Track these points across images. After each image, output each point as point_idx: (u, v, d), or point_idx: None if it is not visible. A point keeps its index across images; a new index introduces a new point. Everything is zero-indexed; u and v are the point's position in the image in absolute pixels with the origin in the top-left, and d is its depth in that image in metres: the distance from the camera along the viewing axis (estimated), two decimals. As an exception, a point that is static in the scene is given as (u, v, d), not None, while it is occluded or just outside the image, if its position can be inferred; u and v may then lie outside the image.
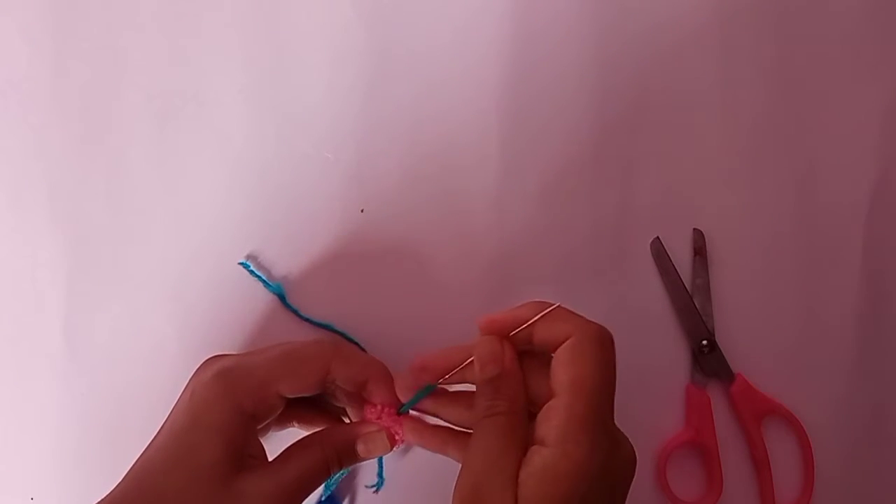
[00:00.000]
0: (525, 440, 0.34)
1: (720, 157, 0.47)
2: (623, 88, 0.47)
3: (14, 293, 0.46)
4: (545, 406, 0.34)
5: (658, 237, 0.46)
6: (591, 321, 0.36)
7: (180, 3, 0.46)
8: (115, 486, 0.36)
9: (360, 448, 0.40)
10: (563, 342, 0.35)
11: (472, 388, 0.38)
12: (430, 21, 0.47)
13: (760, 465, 0.46)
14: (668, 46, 0.47)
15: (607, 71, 0.47)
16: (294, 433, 0.41)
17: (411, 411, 0.41)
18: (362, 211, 0.46)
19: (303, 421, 0.43)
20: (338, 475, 0.44)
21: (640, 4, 0.47)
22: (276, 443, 0.39)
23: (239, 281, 0.45)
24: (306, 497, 0.38)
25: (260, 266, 0.46)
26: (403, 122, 0.46)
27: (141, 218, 0.46)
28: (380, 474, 0.45)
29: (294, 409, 0.42)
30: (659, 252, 0.46)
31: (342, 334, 0.45)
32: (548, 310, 0.36)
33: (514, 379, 0.36)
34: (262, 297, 0.45)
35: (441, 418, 0.40)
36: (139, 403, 0.45)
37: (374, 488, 0.45)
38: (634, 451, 0.35)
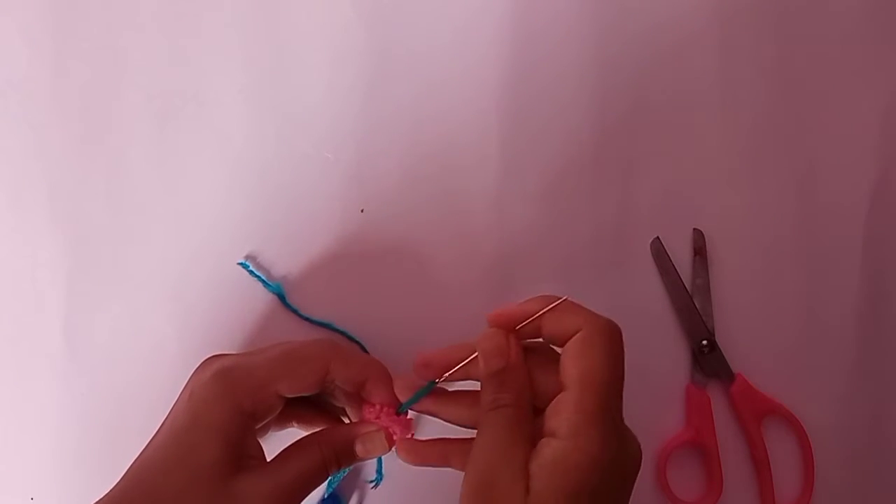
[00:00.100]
0: (532, 433, 0.34)
1: (720, 157, 0.47)
2: (623, 88, 0.47)
3: (14, 293, 0.46)
4: (555, 399, 0.34)
5: (658, 237, 0.46)
6: (599, 315, 0.36)
7: (180, 3, 0.46)
8: (114, 485, 0.36)
9: (359, 448, 0.40)
10: (572, 335, 0.35)
11: (473, 385, 0.38)
12: (430, 21, 0.47)
13: (760, 465, 0.46)
14: (668, 47, 0.47)
15: (607, 71, 0.47)
16: (293, 434, 0.41)
17: (410, 412, 0.41)
18: (362, 211, 0.46)
19: (302, 421, 0.43)
20: (339, 475, 0.44)
21: (640, 5, 0.47)
22: (276, 443, 0.39)
23: (239, 281, 0.45)
24: (305, 497, 0.38)
25: (259, 266, 0.46)
26: (403, 122, 0.46)
27: (141, 218, 0.46)
28: (378, 470, 0.45)
29: (293, 410, 0.42)
30: (659, 252, 0.46)
31: (343, 333, 0.45)
32: (555, 303, 0.36)
33: (520, 372, 0.36)
34: (261, 297, 0.45)
35: (441, 418, 0.40)
36: (139, 403, 0.45)
37: (373, 484, 0.45)
38: (640, 446, 0.35)
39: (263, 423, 0.39)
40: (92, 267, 0.46)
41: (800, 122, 0.47)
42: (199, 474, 0.35)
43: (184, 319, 0.46)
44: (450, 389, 0.40)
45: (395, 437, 0.40)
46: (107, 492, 0.36)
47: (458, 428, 0.39)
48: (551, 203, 0.46)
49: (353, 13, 0.47)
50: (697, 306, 0.46)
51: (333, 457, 0.38)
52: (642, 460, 0.35)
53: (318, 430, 0.41)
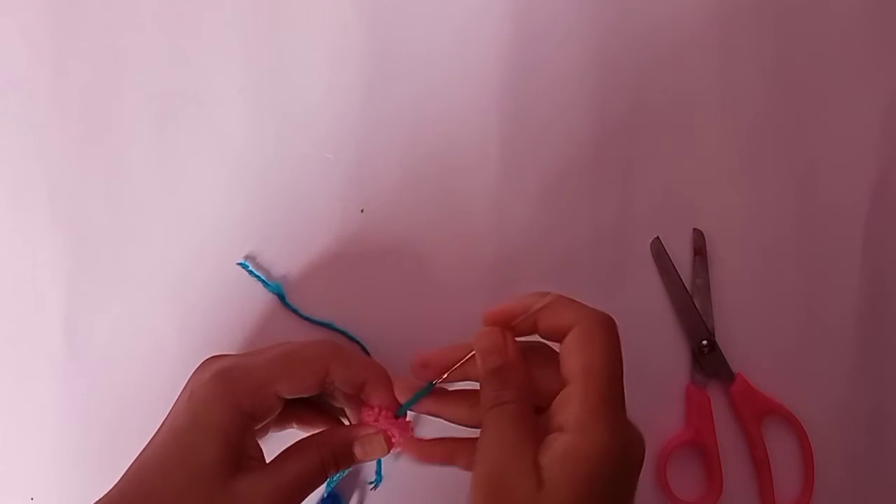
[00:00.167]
0: (535, 429, 0.35)
1: (720, 157, 0.47)
2: (623, 89, 0.47)
3: (14, 293, 0.46)
4: (560, 394, 0.34)
5: (658, 237, 0.46)
6: (594, 309, 0.36)
7: (180, 3, 0.46)
8: (113, 485, 0.36)
9: (357, 450, 0.39)
10: (569, 331, 0.35)
11: (473, 385, 0.38)
12: (430, 21, 0.47)
13: (760, 465, 0.46)
14: (667, 47, 0.47)
15: (607, 71, 0.47)
16: (293, 435, 0.41)
17: (409, 413, 0.41)
18: (362, 211, 0.46)
19: (302, 422, 0.43)
20: (338, 475, 0.44)
21: (640, 5, 0.47)
22: (276, 444, 0.39)
23: (238, 281, 0.45)
24: (304, 498, 0.38)
25: (259, 266, 0.46)
26: (403, 122, 0.46)
27: (141, 218, 0.46)
28: (378, 472, 0.45)
29: (293, 411, 0.42)
30: (659, 252, 0.46)
31: (343, 333, 0.45)
32: (547, 299, 0.36)
33: (519, 368, 0.36)
34: (261, 297, 0.45)
35: (443, 418, 0.40)
36: (139, 403, 0.45)
37: (373, 486, 0.45)
38: (642, 436, 0.35)
39: (263, 423, 0.39)
40: (92, 267, 0.46)
41: (800, 122, 0.47)
42: (199, 474, 0.35)
43: (184, 319, 0.46)
44: (450, 389, 0.40)
45: (393, 440, 0.40)
46: (106, 491, 0.36)
47: (460, 428, 0.39)
48: (551, 203, 0.46)
49: (353, 13, 0.47)
50: (697, 306, 0.46)
51: (332, 459, 0.38)
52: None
53: (317, 431, 0.41)
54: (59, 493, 0.46)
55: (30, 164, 0.46)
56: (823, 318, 0.47)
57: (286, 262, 0.46)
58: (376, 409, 0.40)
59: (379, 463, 0.45)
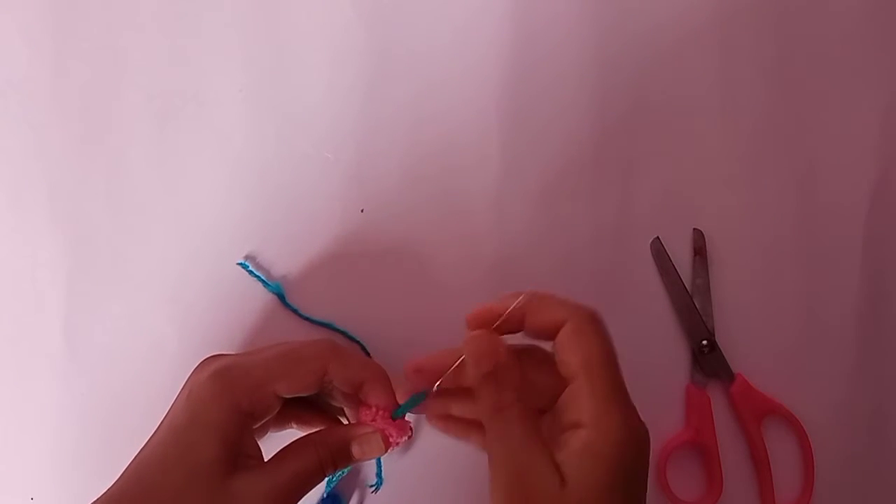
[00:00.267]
0: (540, 427, 0.35)
1: (720, 157, 0.47)
2: (623, 89, 0.47)
3: (14, 293, 0.46)
4: (566, 392, 0.35)
5: (658, 237, 0.46)
6: (579, 303, 0.36)
7: (180, 3, 0.46)
8: (112, 483, 0.36)
9: (355, 450, 0.40)
10: (558, 328, 0.35)
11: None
12: (430, 21, 0.47)
13: (760, 465, 0.46)
14: (668, 47, 0.47)
15: (607, 71, 0.47)
16: (292, 435, 0.41)
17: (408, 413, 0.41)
18: (362, 211, 0.46)
19: (301, 422, 0.43)
20: (338, 475, 0.44)
21: (640, 5, 0.47)
22: (274, 444, 0.39)
23: (238, 281, 0.45)
24: (301, 498, 0.37)
25: (259, 266, 0.46)
26: (403, 122, 0.46)
27: (141, 218, 0.46)
28: (378, 474, 0.45)
29: (292, 410, 0.42)
30: (659, 252, 0.46)
31: (343, 333, 0.45)
32: (526, 296, 0.36)
33: (512, 368, 0.36)
34: (261, 297, 0.45)
35: (452, 435, 0.41)
36: (138, 403, 0.45)
37: (374, 488, 0.45)
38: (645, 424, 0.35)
39: (261, 423, 0.39)
40: (92, 267, 0.46)
41: (800, 122, 0.47)
42: (197, 473, 0.35)
43: (183, 319, 0.46)
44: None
45: (391, 440, 0.40)
46: (105, 490, 0.36)
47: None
48: (551, 203, 0.46)
49: (353, 13, 0.47)
50: (697, 306, 0.46)
51: (330, 458, 0.38)
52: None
53: (315, 430, 0.41)
54: (58, 493, 0.46)
55: (30, 164, 0.46)
56: (823, 318, 0.47)
57: (286, 262, 0.46)
58: (374, 409, 0.40)
59: (379, 465, 0.45)
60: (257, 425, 0.39)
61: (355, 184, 0.46)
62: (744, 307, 0.47)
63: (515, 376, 0.36)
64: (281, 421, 0.42)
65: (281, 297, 0.45)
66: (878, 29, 0.48)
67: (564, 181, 0.47)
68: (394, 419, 0.40)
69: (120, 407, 0.45)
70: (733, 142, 0.47)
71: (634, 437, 0.34)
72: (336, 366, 0.39)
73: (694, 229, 0.47)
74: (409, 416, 0.41)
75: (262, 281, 0.45)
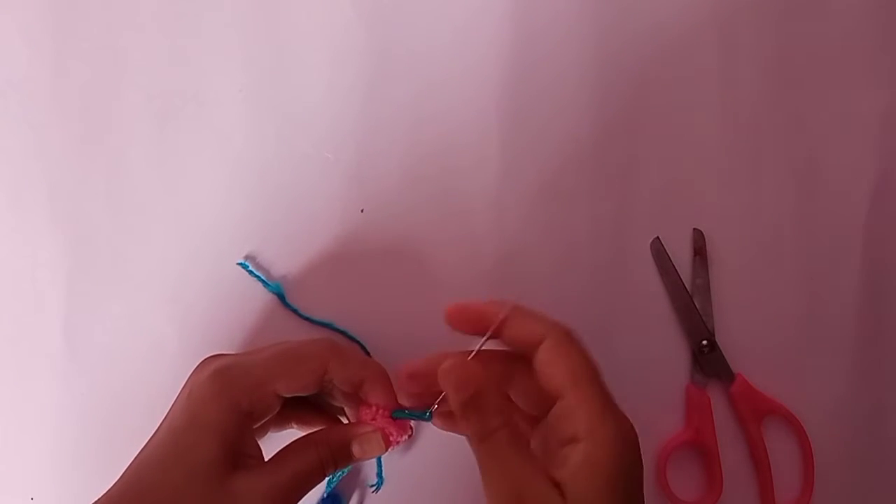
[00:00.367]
0: (529, 444, 0.35)
1: (720, 157, 0.47)
2: (623, 88, 0.47)
3: (14, 293, 0.46)
4: (557, 407, 0.35)
5: (658, 237, 0.46)
6: (556, 320, 0.37)
7: (180, 3, 0.46)
8: (112, 484, 0.36)
9: (356, 449, 0.40)
10: (536, 343, 0.36)
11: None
12: (430, 21, 0.47)
13: (760, 465, 0.46)
14: (668, 47, 0.47)
15: (607, 71, 0.47)
16: (292, 435, 0.41)
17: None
18: (362, 211, 0.46)
19: (301, 422, 0.43)
20: (338, 474, 0.44)
21: (639, 5, 0.47)
22: (275, 444, 0.39)
23: (238, 281, 0.45)
24: (301, 497, 0.38)
25: (259, 266, 0.46)
26: (403, 123, 0.46)
27: (141, 218, 0.46)
28: (379, 474, 0.45)
29: (292, 410, 0.42)
30: (659, 252, 0.46)
31: (343, 333, 0.45)
32: (507, 310, 0.37)
33: (494, 392, 0.36)
34: (261, 297, 0.45)
35: (456, 432, 0.41)
36: (138, 403, 0.45)
37: (374, 488, 0.45)
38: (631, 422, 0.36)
39: (261, 422, 0.39)
40: (92, 267, 0.46)
41: (800, 121, 0.47)
42: (197, 473, 0.35)
43: (183, 319, 0.46)
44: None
45: (391, 439, 0.40)
46: (106, 490, 0.36)
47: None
48: (551, 203, 0.46)
49: (353, 13, 0.47)
50: (697, 306, 0.46)
51: (330, 457, 0.39)
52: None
53: (315, 430, 0.41)
54: (58, 493, 0.46)
55: (30, 164, 0.46)
56: (823, 318, 0.47)
57: (286, 262, 0.46)
58: (374, 408, 0.40)
59: (380, 465, 0.45)
60: (257, 425, 0.39)
61: (355, 184, 0.46)
62: (744, 307, 0.47)
63: (496, 399, 0.36)
64: (281, 421, 0.42)
65: (281, 297, 0.45)
66: (878, 28, 0.48)
67: (564, 181, 0.47)
68: (394, 418, 0.40)
69: (120, 407, 0.45)
70: (733, 141, 0.47)
71: (630, 443, 0.34)
72: (336, 365, 0.39)
73: (694, 229, 0.47)
74: (408, 417, 0.41)
75: (262, 281, 0.45)
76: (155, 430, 0.37)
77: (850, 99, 0.47)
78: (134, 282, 0.46)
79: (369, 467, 0.45)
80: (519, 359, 0.38)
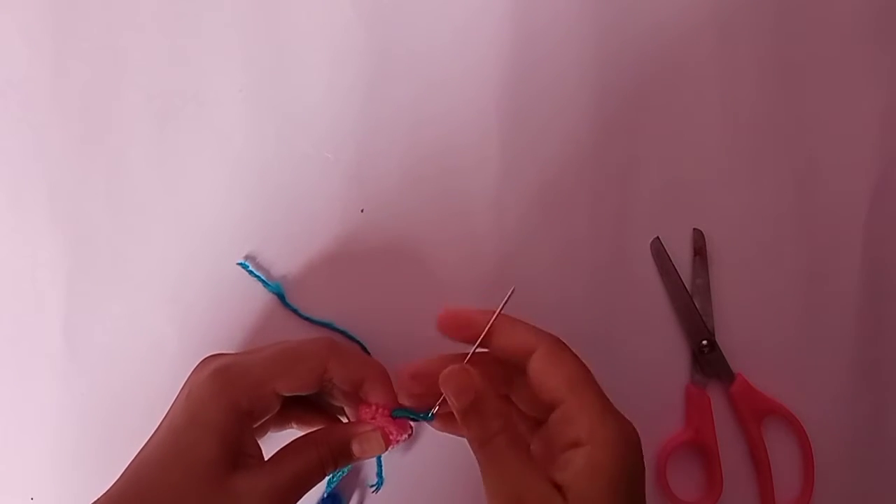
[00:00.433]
0: (529, 448, 0.36)
1: (720, 157, 0.47)
2: (623, 89, 0.47)
3: (14, 293, 0.46)
4: (556, 412, 0.36)
5: (658, 237, 0.46)
6: (545, 331, 0.38)
7: (180, 3, 0.46)
8: (112, 483, 0.36)
9: (356, 448, 0.40)
10: (528, 353, 0.37)
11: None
12: (430, 21, 0.47)
13: (760, 465, 0.46)
14: (668, 46, 0.47)
15: (607, 71, 0.47)
16: (292, 435, 0.41)
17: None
18: (362, 211, 0.46)
19: (301, 422, 0.43)
20: (338, 474, 0.44)
21: (639, 4, 0.47)
22: (275, 444, 0.39)
23: (238, 281, 0.45)
24: (301, 496, 0.38)
25: (259, 266, 0.46)
26: (403, 123, 0.46)
27: (141, 218, 0.46)
28: (379, 474, 0.45)
29: (292, 410, 0.42)
30: (659, 252, 0.46)
31: (343, 332, 0.45)
32: (493, 319, 0.38)
33: (493, 398, 0.37)
34: (261, 297, 0.45)
35: (456, 435, 0.41)
36: (138, 403, 0.45)
37: (374, 488, 0.45)
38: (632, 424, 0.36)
39: (261, 422, 0.39)
40: (92, 267, 0.46)
41: (800, 122, 0.47)
42: (197, 472, 0.35)
43: (183, 319, 0.46)
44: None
45: (391, 437, 0.40)
46: (105, 490, 0.36)
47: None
48: (551, 203, 0.46)
49: (353, 13, 0.47)
50: (697, 306, 0.46)
51: (330, 456, 0.39)
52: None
53: (315, 429, 0.41)
54: (58, 493, 0.46)
55: (30, 164, 0.46)
56: (823, 318, 0.47)
57: (286, 262, 0.46)
58: (374, 407, 0.40)
59: (380, 464, 0.45)
60: (257, 425, 0.39)
61: (355, 184, 0.46)
62: (744, 307, 0.47)
63: (496, 403, 0.37)
64: (281, 420, 0.42)
65: (281, 297, 0.45)
66: (878, 28, 0.48)
67: (564, 181, 0.47)
68: (394, 418, 0.40)
69: (120, 407, 0.45)
70: (733, 141, 0.47)
71: (632, 445, 0.34)
72: (336, 364, 0.39)
73: (694, 229, 0.47)
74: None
75: (262, 281, 0.45)
76: (155, 429, 0.37)
77: (850, 99, 0.47)
78: (134, 282, 0.46)
79: (369, 467, 0.45)
80: (513, 367, 0.38)
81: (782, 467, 0.46)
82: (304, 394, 0.39)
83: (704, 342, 0.46)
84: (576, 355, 0.37)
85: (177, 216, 0.46)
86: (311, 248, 0.46)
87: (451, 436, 0.42)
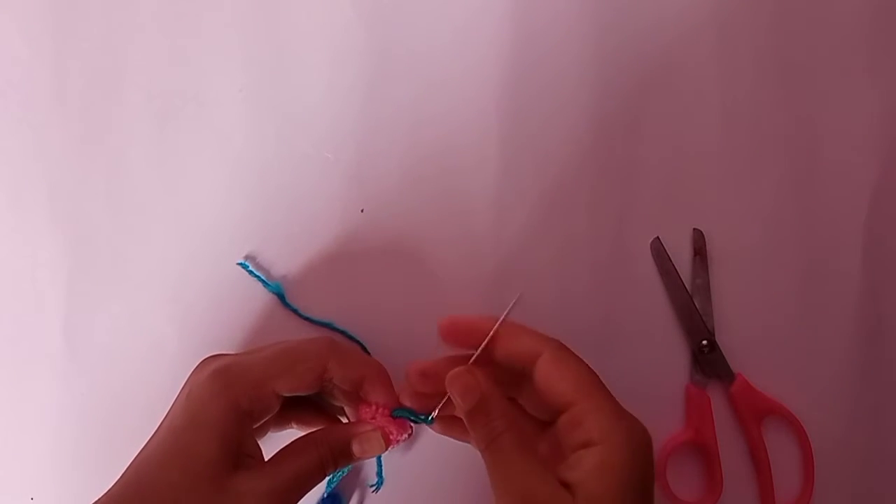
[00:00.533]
0: (536, 448, 0.36)
1: (720, 157, 0.47)
2: (623, 88, 0.47)
3: (14, 293, 0.46)
4: (566, 415, 0.36)
5: (658, 237, 0.46)
6: (548, 336, 0.38)
7: (180, 3, 0.46)
8: (112, 484, 0.36)
9: (356, 448, 0.40)
10: (533, 358, 0.37)
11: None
12: (430, 21, 0.47)
13: (760, 465, 0.46)
14: (667, 46, 0.47)
15: (607, 71, 0.47)
16: (293, 435, 0.41)
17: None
18: (362, 211, 0.46)
19: (301, 422, 0.43)
20: (338, 474, 0.44)
21: (639, 4, 0.47)
22: (275, 444, 0.39)
23: (238, 281, 0.45)
24: (302, 497, 0.38)
25: (259, 266, 0.46)
26: (403, 123, 0.46)
27: (141, 218, 0.46)
28: (379, 474, 0.45)
29: (292, 410, 0.42)
30: (659, 252, 0.46)
31: (343, 332, 0.45)
32: (497, 325, 0.38)
33: (498, 398, 0.37)
34: (261, 297, 0.45)
35: (455, 438, 0.42)
36: (138, 403, 0.45)
37: (374, 488, 0.45)
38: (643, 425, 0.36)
39: (261, 422, 0.39)
40: (92, 267, 0.46)
41: (800, 122, 0.47)
42: (197, 472, 0.35)
43: (183, 319, 0.46)
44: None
45: (391, 437, 0.40)
46: (106, 490, 0.36)
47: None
48: (551, 203, 0.46)
49: (353, 13, 0.47)
50: (697, 306, 0.46)
51: (331, 456, 0.39)
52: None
53: (316, 429, 0.41)
54: (58, 493, 0.46)
55: (30, 164, 0.46)
56: (823, 319, 0.47)
57: (286, 262, 0.46)
58: (374, 407, 0.40)
59: (380, 464, 0.45)
60: (257, 425, 0.39)
61: (355, 184, 0.46)
62: (744, 307, 0.47)
63: (501, 404, 0.37)
64: (281, 421, 0.42)
65: (281, 297, 0.45)
66: (879, 28, 0.48)
67: (564, 181, 0.47)
68: (394, 417, 0.40)
69: (120, 407, 0.45)
70: (733, 141, 0.47)
71: (643, 445, 0.35)
72: (335, 363, 0.39)
73: (694, 229, 0.47)
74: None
75: (262, 281, 0.45)
76: (155, 430, 0.38)
77: (850, 98, 0.47)
78: (134, 282, 0.46)
79: (369, 467, 0.45)
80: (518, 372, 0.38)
81: (782, 467, 0.46)
82: (304, 394, 0.39)
83: (704, 342, 0.46)
84: (582, 360, 0.37)
85: (177, 216, 0.46)
86: (311, 248, 0.46)
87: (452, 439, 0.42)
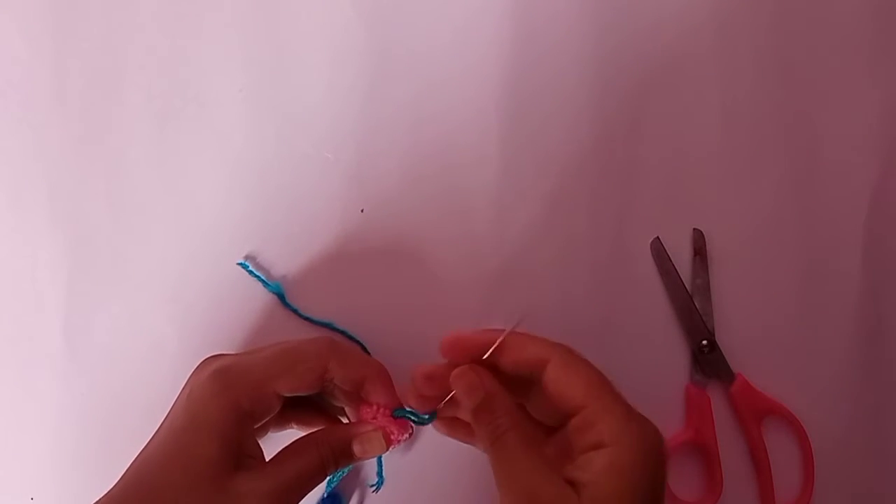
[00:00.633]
0: (542, 447, 0.36)
1: (720, 157, 0.47)
2: (623, 88, 0.47)
3: (14, 293, 0.46)
4: (577, 417, 0.35)
5: (658, 237, 0.46)
6: (555, 342, 0.37)
7: (180, 3, 0.46)
8: (113, 484, 0.36)
9: (357, 448, 0.40)
10: (542, 365, 0.37)
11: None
12: (430, 21, 0.47)
13: (760, 465, 0.46)
14: (667, 46, 0.47)
15: (607, 70, 0.47)
16: (293, 435, 0.41)
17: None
18: (362, 211, 0.46)
19: (301, 422, 0.43)
20: (339, 474, 0.44)
21: (639, 4, 0.47)
22: (275, 444, 0.39)
23: (238, 281, 0.45)
24: (303, 497, 0.38)
25: (259, 266, 0.46)
26: (403, 122, 0.46)
27: (141, 218, 0.46)
28: (379, 474, 0.45)
29: (293, 410, 0.42)
30: (659, 252, 0.46)
31: (343, 333, 0.45)
32: (506, 333, 0.38)
33: (503, 396, 0.37)
34: (261, 297, 0.45)
35: (457, 438, 0.42)
36: (138, 403, 0.45)
37: (374, 488, 0.45)
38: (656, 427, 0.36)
39: (262, 422, 0.39)
40: (92, 267, 0.46)
41: (800, 122, 0.47)
42: (197, 473, 0.35)
43: (183, 319, 0.46)
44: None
45: (392, 437, 0.40)
46: (106, 491, 0.36)
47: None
48: (551, 203, 0.46)
49: (353, 13, 0.47)
50: (697, 306, 0.46)
51: (331, 456, 0.39)
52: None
53: (316, 430, 0.41)
54: (58, 493, 0.46)
55: (30, 164, 0.46)
56: (823, 318, 0.47)
57: (286, 262, 0.46)
58: (375, 407, 0.40)
59: (380, 464, 0.45)
60: (257, 425, 0.39)
61: (355, 184, 0.46)
62: (744, 307, 0.47)
63: (506, 402, 0.37)
64: (281, 421, 0.42)
65: (281, 297, 0.45)
66: (879, 28, 0.48)
67: (564, 181, 0.47)
68: (395, 417, 0.40)
69: (120, 407, 0.45)
70: (733, 141, 0.47)
71: (656, 446, 0.34)
72: (336, 363, 0.39)
73: (694, 229, 0.47)
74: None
75: (262, 281, 0.45)
76: (156, 430, 0.37)
77: (850, 98, 0.47)
78: (134, 282, 0.46)
79: (369, 467, 0.45)
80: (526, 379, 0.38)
81: (782, 467, 0.46)
82: (304, 394, 0.39)
83: (704, 342, 0.46)
84: (589, 362, 0.37)
85: (177, 216, 0.46)
86: (311, 248, 0.46)
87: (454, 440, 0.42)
